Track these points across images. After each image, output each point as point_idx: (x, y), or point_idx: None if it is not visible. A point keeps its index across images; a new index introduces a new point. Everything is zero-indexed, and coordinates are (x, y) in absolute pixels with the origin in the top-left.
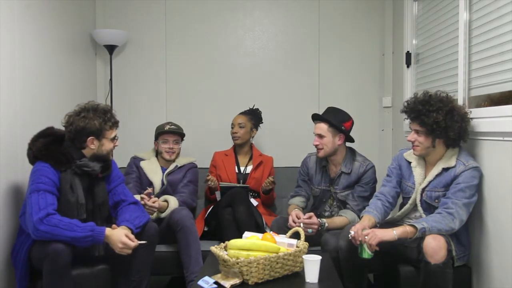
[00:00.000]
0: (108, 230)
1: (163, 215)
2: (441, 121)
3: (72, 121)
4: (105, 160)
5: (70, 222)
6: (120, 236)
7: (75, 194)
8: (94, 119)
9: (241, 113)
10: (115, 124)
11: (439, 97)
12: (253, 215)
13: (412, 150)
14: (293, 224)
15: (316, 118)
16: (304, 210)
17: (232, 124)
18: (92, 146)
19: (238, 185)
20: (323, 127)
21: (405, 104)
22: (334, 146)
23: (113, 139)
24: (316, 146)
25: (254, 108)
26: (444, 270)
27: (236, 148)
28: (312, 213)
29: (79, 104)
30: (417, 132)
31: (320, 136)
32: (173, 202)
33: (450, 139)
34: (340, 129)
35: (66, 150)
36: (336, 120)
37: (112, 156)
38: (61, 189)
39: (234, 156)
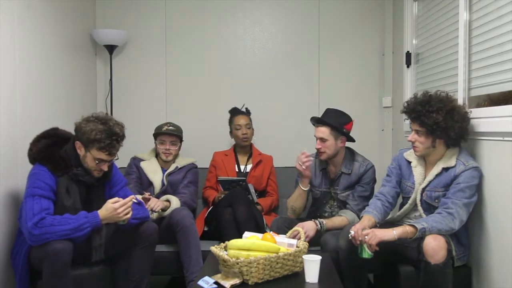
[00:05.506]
0: (100, 211)
1: (165, 213)
2: (441, 121)
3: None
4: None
5: (62, 217)
6: (112, 205)
7: (71, 199)
8: (91, 130)
9: (243, 114)
10: (106, 149)
11: (439, 97)
12: (253, 215)
13: (412, 150)
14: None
15: (317, 121)
16: (304, 210)
17: (238, 125)
18: (79, 151)
19: (236, 178)
20: (325, 131)
21: (405, 104)
22: (336, 148)
23: (97, 161)
24: (318, 150)
25: (245, 107)
26: (444, 270)
27: (237, 148)
28: (296, 230)
29: (108, 115)
30: (417, 132)
31: (322, 139)
32: (175, 201)
33: (451, 139)
34: (342, 132)
35: (66, 155)
36: (338, 123)
37: (99, 173)
38: (58, 193)
39: (234, 156)
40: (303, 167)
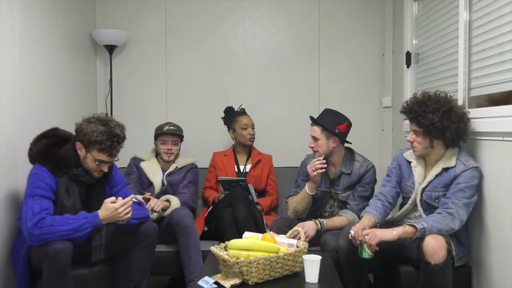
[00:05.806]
0: (100, 211)
1: (165, 213)
2: (437, 122)
3: (82, 119)
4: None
5: (62, 217)
6: (113, 205)
7: (71, 199)
8: (92, 131)
9: (246, 114)
10: (107, 151)
11: (437, 98)
12: (253, 215)
13: (412, 150)
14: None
15: (311, 120)
16: (304, 210)
17: (245, 125)
18: (80, 152)
19: (236, 178)
20: (316, 130)
21: (404, 104)
22: (328, 148)
23: (98, 162)
24: (311, 148)
25: (241, 107)
26: (444, 270)
27: (237, 148)
28: (296, 230)
29: (109, 116)
30: (415, 132)
31: (315, 138)
32: (175, 201)
33: (448, 140)
34: (333, 132)
35: (66, 155)
36: (330, 123)
37: (99, 174)
38: (58, 193)
39: (233, 156)
40: (315, 173)
